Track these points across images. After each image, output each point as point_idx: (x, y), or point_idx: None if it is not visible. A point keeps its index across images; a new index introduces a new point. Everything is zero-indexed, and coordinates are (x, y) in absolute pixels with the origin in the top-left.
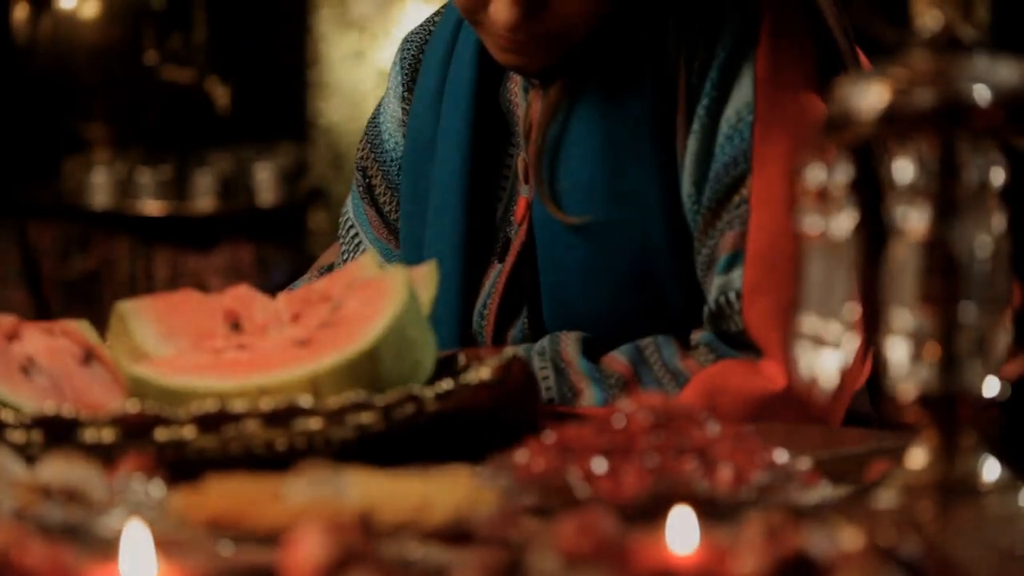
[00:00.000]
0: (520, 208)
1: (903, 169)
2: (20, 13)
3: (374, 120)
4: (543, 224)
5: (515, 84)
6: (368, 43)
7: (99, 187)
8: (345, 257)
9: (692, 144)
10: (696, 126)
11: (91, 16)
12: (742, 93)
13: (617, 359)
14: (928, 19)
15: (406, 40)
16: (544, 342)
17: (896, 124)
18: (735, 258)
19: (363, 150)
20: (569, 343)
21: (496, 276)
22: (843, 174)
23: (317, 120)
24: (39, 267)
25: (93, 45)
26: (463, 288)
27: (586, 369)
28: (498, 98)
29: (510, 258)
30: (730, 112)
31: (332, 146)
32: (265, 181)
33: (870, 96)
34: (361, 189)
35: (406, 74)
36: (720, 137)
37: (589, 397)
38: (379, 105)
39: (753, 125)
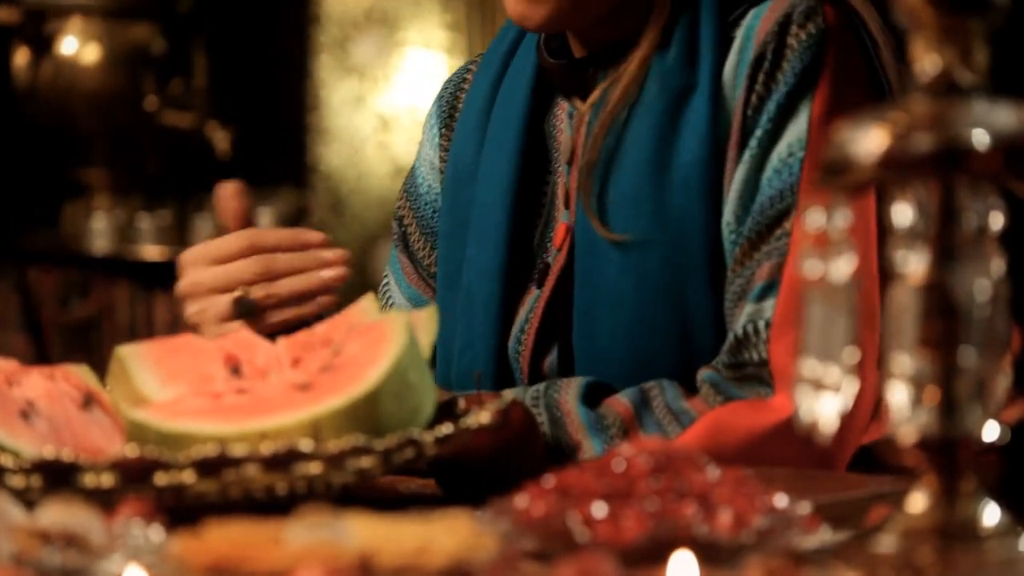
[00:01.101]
0: (560, 234)
1: (902, 213)
2: (21, 59)
3: (411, 174)
4: (584, 244)
5: (561, 110)
6: (368, 89)
7: (99, 232)
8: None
9: (739, 174)
10: (746, 156)
11: (91, 62)
12: (796, 129)
13: (619, 400)
14: (927, 64)
15: (444, 84)
16: (540, 388)
17: (895, 168)
18: (769, 288)
19: (400, 200)
20: (569, 391)
21: (534, 302)
22: (842, 218)
23: (317, 165)
24: (39, 312)
25: (93, 90)
26: (501, 311)
27: (585, 419)
28: (543, 124)
29: (549, 283)
30: (782, 147)
31: (332, 191)
32: (265, 226)
33: (869, 140)
34: (396, 238)
35: (443, 111)
36: (769, 170)
37: (588, 450)
38: (414, 162)
39: (803, 161)
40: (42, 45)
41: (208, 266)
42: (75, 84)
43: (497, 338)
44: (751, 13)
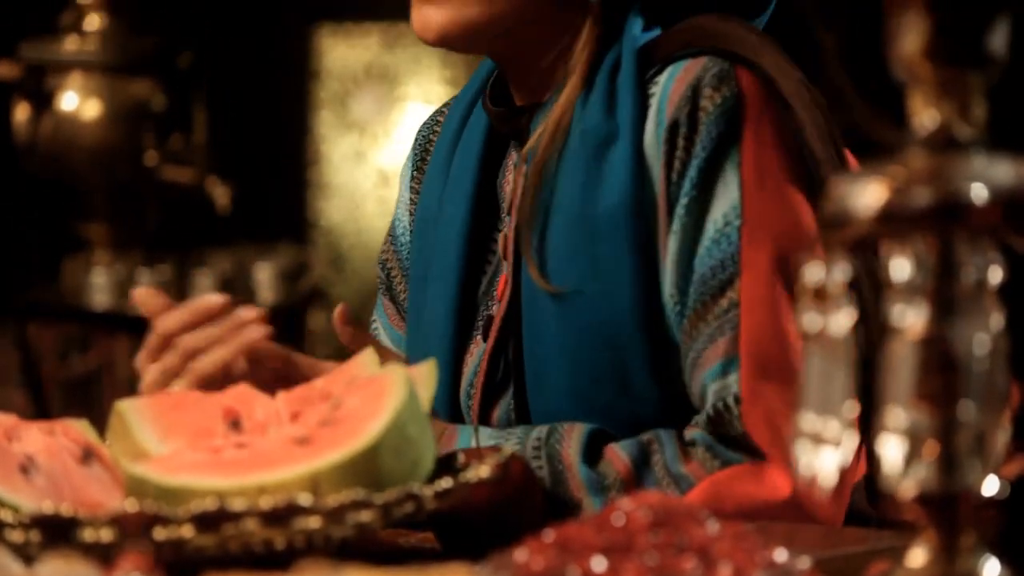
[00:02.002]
0: (501, 284)
1: (901, 267)
2: (21, 114)
3: (393, 219)
4: (529, 294)
5: (510, 160)
6: (368, 144)
7: (99, 287)
8: None
9: (672, 245)
10: (676, 226)
11: (92, 117)
12: (728, 196)
13: (619, 456)
14: (925, 118)
15: (419, 128)
16: (542, 434)
17: (893, 223)
18: (730, 363)
19: (384, 244)
20: (571, 443)
21: (480, 354)
22: (841, 272)
23: (317, 221)
24: (39, 367)
25: (93, 146)
26: (452, 361)
27: (585, 478)
28: (497, 172)
29: (492, 334)
30: (716, 215)
31: (332, 247)
32: (265, 281)
33: (867, 195)
34: (381, 282)
35: (417, 155)
36: (706, 240)
37: (589, 508)
38: (395, 207)
39: (740, 229)
40: (42, 100)
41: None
42: (75, 139)
43: (449, 387)
44: (666, 72)
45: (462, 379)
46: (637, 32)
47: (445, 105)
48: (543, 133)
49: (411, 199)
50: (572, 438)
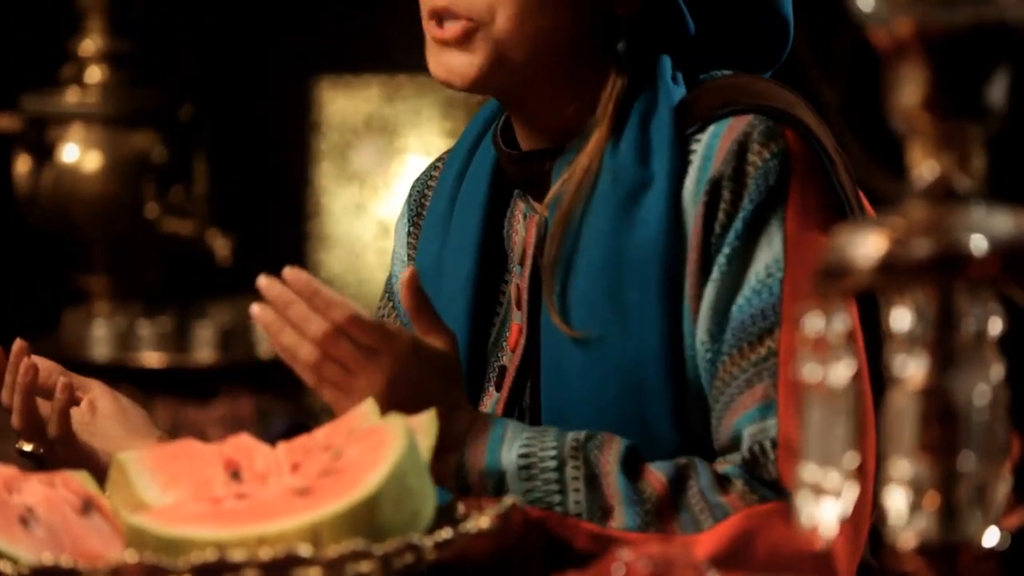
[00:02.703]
0: (513, 334)
1: (901, 318)
2: (22, 166)
3: (389, 275)
4: (549, 342)
5: (518, 210)
6: (369, 196)
7: (99, 339)
8: None
9: (710, 292)
10: (715, 275)
11: (93, 169)
12: (772, 249)
13: (655, 474)
14: (924, 169)
15: (413, 183)
16: (580, 436)
17: (893, 273)
18: (768, 408)
19: (382, 300)
20: (611, 452)
21: (494, 404)
22: (841, 322)
23: (318, 272)
24: None
25: (94, 197)
26: None
27: (623, 486)
28: (503, 222)
29: (506, 385)
30: (759, 266)
31: None
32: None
33: (867, 245)
34: None
35: (412, 209)
36: (746, 290)
37: (620, 519)
38: (391, 264)
39: (782, 281)
40: (43, 152)
41: None
42: (76, 191)
43: None
44: (710, 129)
45: None
46: (669, 81)
47: (439, 159)
48: (568, 179)
49: (408, 254)
50: (611, 446)
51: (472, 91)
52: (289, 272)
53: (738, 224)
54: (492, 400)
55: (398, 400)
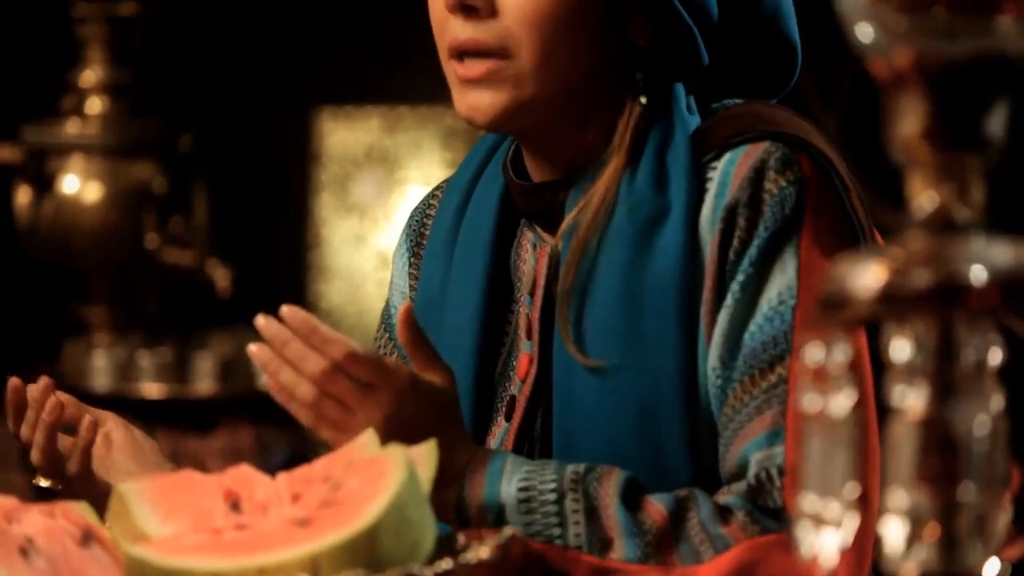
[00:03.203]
0: (523, 364)
1: (900, 348)
2: (22, 197)
3: (386, 306)
4: (562, 371)
5: (526, 239)
6: (369, 227)
7: (99, 370)
8: None
9: (723, 318)
10: (729, 301)
11: (93, 200)
12: (785, 276)
13: (655, 506)
14: (924, 200)
15: (411, 213)
16: (580, 469)
17: (893, 304)
18: (776, 435)
19: (378, 332)
20: (610, 484)
21: (503, 434)
22: (841, 353)
23: (318, 303)
24: None
25: (94, 229)
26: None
27: (622, 518)
28: (509, 252)
29: (517, 415)
30: (771, 293)
31: (333, 328)
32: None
33: (867, 276)
34: None
35: (411, 240)
36: (758, 317)
37: (620, 551)
38: (388, 295)
39: (794, 309)
40: (44, 183)
41: None
42: (76, 222)
43: None
44: (726, 156)
45: None
46: (684, 110)
47: (437, 188)
48: (584, 208)
49: (410, 284)
50: (611, 479)
51: (496, 128)
52: (287, 310)
53: (752, 251)
54: (501, 430)
55: (396, 436)
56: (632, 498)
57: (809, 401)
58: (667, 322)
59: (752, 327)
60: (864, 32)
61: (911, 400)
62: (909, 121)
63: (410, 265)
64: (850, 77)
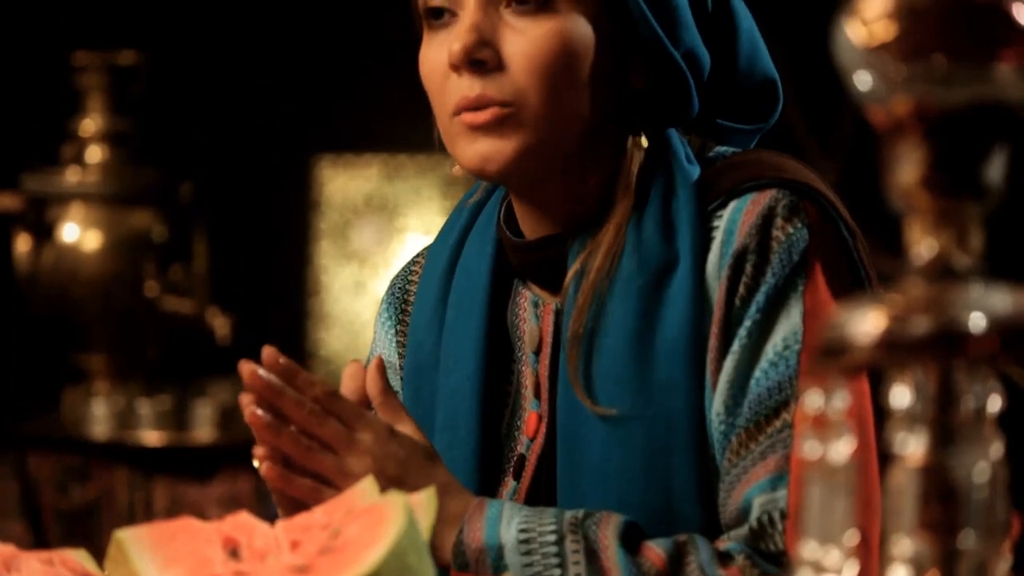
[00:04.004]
0: (531, 423)
1: (900, 395)
2: (22, 245)
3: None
4: (568, 422)
5: (523, 298)
6: (368, 275)
7: (99, 418)
8: None
9: (729, 364)
10: (735, 347)
11: (93, 248)
12: (791, 322)
13: (654, 549)
14: (923, 248)
15: (391, 282)
16: (579, 514)
17: (893, 351)
18: (779, 479)
19: None
20: (608, 527)
21: (512, 494)
22: (840, 400)
23: (317, 351)
24: (38, 498)
25: (94, 277)
26: None
27: (621, 561)
28: (506, 311)
29: (527, 474)
30: (776, 340)
31: (332, 376)
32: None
33: (866, 323)
34: None
35: (395, 307)
36: (763, 363)
37: None
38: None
39: (799, 354)
40: (44, 232)
41: None
42: (76, 270)
43: None
44: (731, 205)
45: None
46: (684, 159)
47: (419, 255)
48: (590, 256)
49: (398, 352)
50: (610, 522)
51: (507, 177)
52: (267, 352)
53: (759, 298)
54: (509, 490)
55: (389, 477)
56: (631, 541)
57: (809, 448)
58: (678, 370)
59: (757, 373)
60: (862, 80)
61: (911, 447)
62: (908, 168)
63: (396, 333)
64: (849, 124)
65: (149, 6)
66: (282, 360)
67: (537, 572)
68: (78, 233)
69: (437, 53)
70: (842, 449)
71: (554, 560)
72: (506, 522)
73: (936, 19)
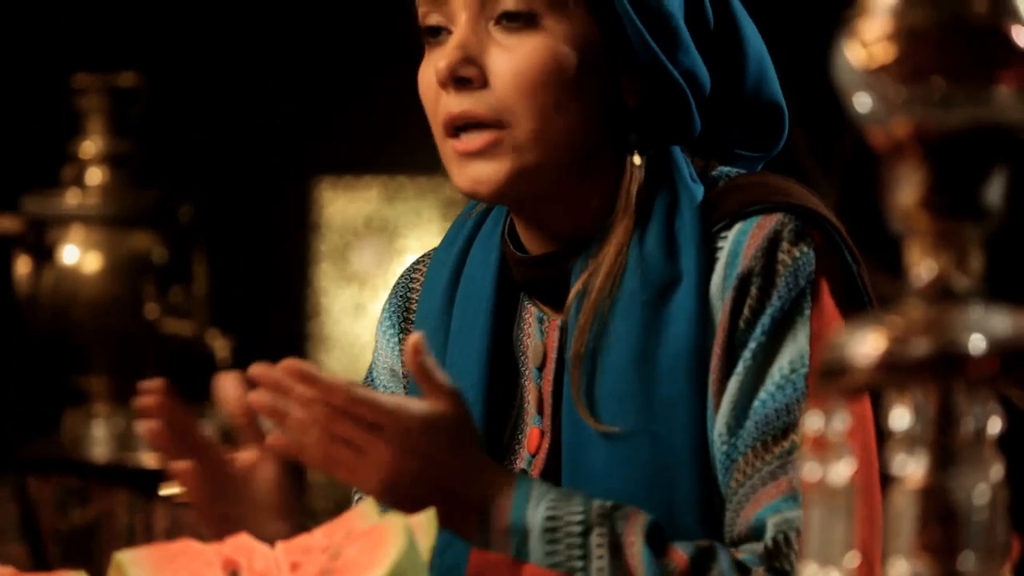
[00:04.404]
0: (533, 439)
1: (900, 417)
2: (22, 267)
3: (366, 378)
4: (572, 439)
5: (528, 314)
6: (368, 297)
7: (99, 440)
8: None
9: (733, 386)
10: (740, 368)
11: (93, 270)
12: (797, 345)
13: (679, 552)
14: (922, 269)
15: (392, 290)
16: (607, 504)
17: (892, 372)
18: (794, 499)
19: None
20: (636, 521)
21: None
22: (840, 421)
23: None
24: (38, 519)
25: (94, 299)
26: None
27: (646, 559)
28: (511, 327)
29: None
30: (783, 362)
31: None
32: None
33: (866, 344)
34: None
35: (398, 315)
36: (770, 385)
37: None
38: (370, 368)
39: (806, 377)
40: (44, 254)
41: None
42: (76, 292)
43: None
44: (736, 227)
45: None
46: (688, 178)
47: (419, 262)
48: (593, 274)
49: (401, 360)
50: (637, 518)
51: (501, 199)
52: (287, 364)
53: (765, 320)
54: None
55: (410, 471)
56: (656, 540)
57: (810, 470)
58: (680, 388)
59: (763, 395)
60: (862, 102)
61: (911, 469)
62: (907, 190)
63: (399, 340)
64: (848, 146)
65: (149, 28)
66: (299, 366)
67: (559, 561)
68: (78, 255)
69: (432, 71)
70: (842, 471)
71: (578, 551)
72: (534, 505)
73: (935, 41)
